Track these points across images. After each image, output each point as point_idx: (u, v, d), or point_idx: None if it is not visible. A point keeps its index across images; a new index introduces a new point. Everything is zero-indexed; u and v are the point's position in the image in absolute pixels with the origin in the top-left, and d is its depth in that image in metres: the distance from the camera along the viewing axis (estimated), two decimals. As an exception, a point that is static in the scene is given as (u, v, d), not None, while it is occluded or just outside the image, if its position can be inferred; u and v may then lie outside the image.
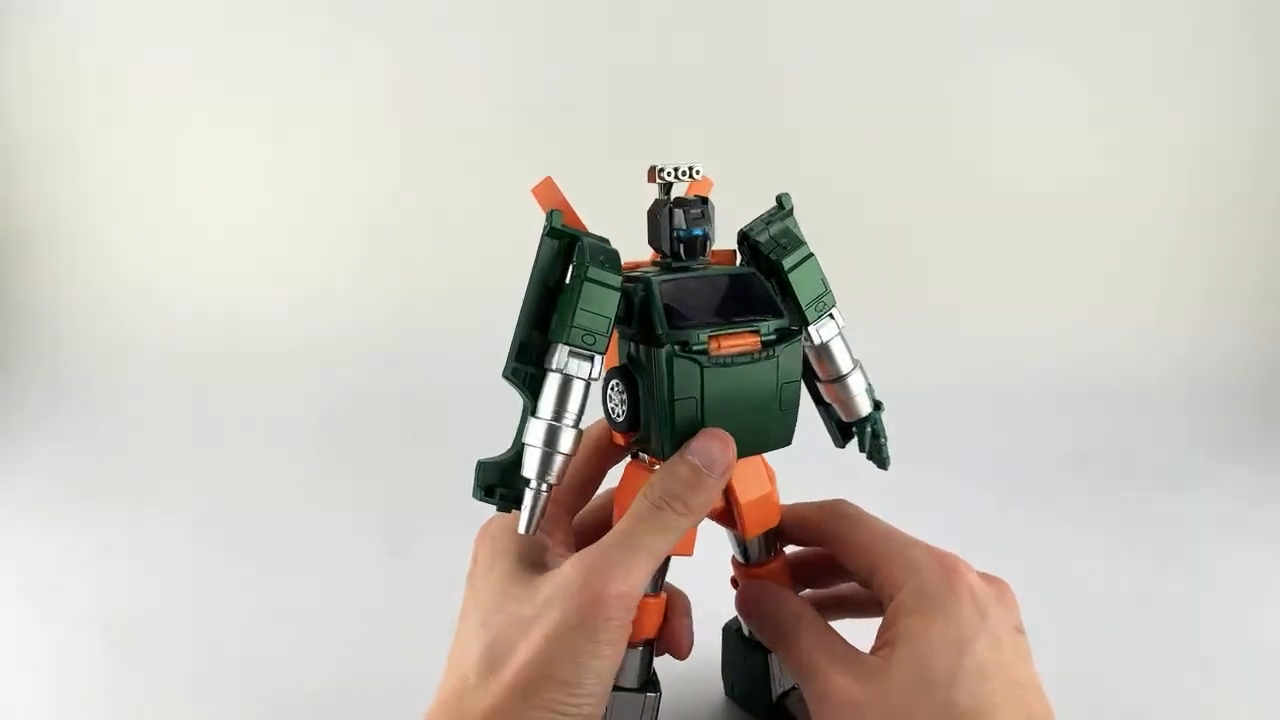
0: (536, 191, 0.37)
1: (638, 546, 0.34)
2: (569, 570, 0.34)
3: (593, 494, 0.43)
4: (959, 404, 0.93)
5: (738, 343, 0.36)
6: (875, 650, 0.37)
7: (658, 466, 0.38)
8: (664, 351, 0.35)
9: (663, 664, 0.41)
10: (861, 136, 1.08)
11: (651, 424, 0.36)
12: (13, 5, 1.08)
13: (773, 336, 0.37)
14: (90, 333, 1.09)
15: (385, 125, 1.11)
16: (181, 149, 1.11)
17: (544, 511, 0.35)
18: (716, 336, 0.35)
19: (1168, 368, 1.03)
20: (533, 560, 0.36)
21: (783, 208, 0.41)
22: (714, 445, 0.35)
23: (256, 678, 0.52)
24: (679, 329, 0.35)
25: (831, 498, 0.42)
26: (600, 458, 0.42)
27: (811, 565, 0.45)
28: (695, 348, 0.35)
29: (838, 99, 1.08)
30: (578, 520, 0.42)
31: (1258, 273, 1.09)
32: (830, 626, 0.39)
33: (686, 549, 0.38)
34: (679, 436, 0.36)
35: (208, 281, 1.12)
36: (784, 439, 0.38)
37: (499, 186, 1.10)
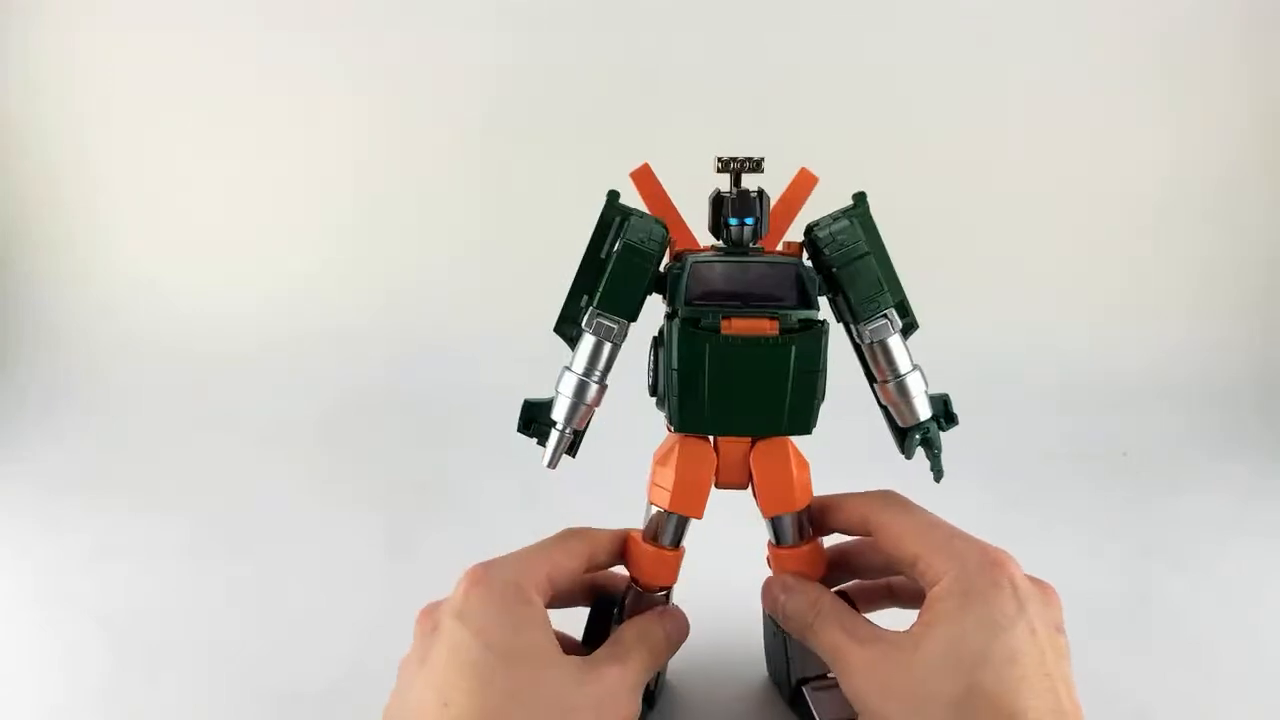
0: (634, 175, 0.42)
1: (638, 682, 0.39)
2: (617, 688, 0.37)
3: (580, 589, 0.45)
4: (958, 403, 0.93)
5: (751, 326, 0.38)
6: (909, 631, 0.37)
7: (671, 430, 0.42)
8: (674, 323, 0.38)
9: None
10: (858, 135, 1.08)
11: (665, 391, 0.40)
12: (13, 5, 1.07)
13: (794, 325, 0.38)
14: (90, 333, 1.09)
15: (388, 123, 1.11)
16: (182, 148, 1.11)
17: (567, 450, 0.41)
18: (730, 318, 0.38)
19: (1166, 366, 1.03)
20: (549, 649, 0.37)
21: (856, 206, 0.42)
22: (681, 618, 0.43)
23: (256, 677, 0.52)
24: (694, 305, 0.38)
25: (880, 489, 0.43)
26: (587, 567, 0.43)
27: (859, 555, 0.46)
28: (704, 324, 0.38)
29: (834, 99, 1.08)
30: (592, 564, 0.43)
31: (1257, 270, 1.09)
32: (852, 610, 0.40)
33: (696, 512, 0.42)
34: (685, 406, 0.39)
35: (208, 281, 1.11)
36: (800, 426, 0.40)
37: (501, 186, 1.10)
